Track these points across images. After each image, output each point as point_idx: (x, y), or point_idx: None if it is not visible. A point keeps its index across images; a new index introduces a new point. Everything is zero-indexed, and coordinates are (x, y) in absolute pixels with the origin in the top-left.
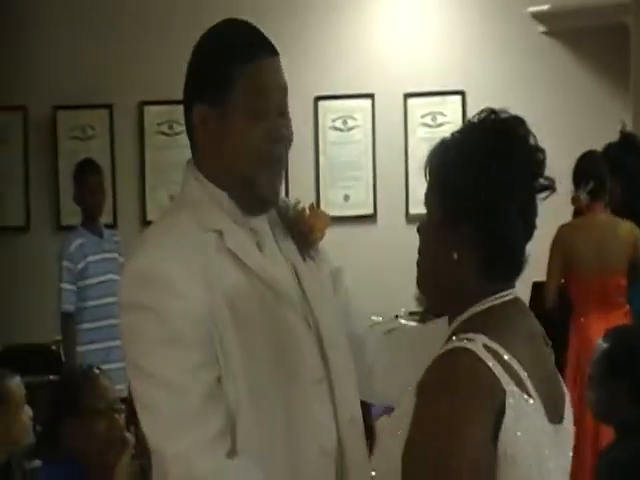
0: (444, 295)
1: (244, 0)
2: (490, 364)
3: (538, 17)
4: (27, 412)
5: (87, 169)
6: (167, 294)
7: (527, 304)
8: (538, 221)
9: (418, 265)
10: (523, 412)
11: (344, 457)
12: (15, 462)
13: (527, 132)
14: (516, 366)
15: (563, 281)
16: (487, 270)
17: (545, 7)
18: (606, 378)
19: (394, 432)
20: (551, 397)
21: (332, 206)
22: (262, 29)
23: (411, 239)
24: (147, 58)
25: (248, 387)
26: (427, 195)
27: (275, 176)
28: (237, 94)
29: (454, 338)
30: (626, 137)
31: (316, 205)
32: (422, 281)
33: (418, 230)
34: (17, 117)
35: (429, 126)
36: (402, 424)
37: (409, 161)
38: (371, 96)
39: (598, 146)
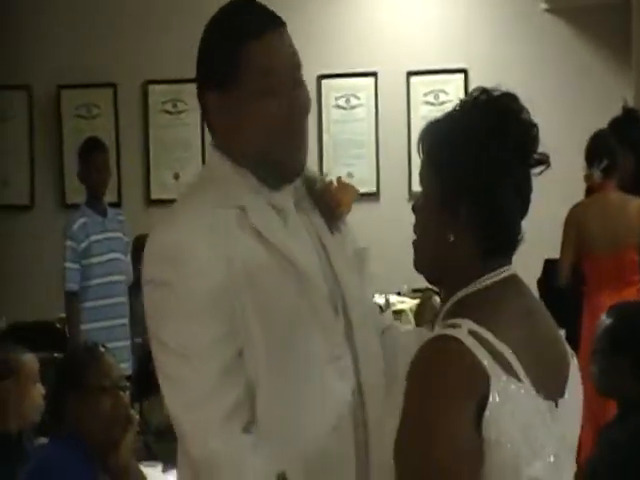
0: (441, 274)
1: None
2: (474, 351)
3: None
4: (39, 389)
5: (93, 147)
6: (188, 271)
7: (538, 280)
8: (551, 199)
9: (414, 244)
10: (509, 396)
11: (368, 436)
12: (26, 437)
13: (521, 108)
14: (504, 349)
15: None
16: (484, 248)
17: None
18: (609, 353)
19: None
20: (548, 373)
21: (333, 177)
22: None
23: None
24: (151, 37)
25: (267, 361)
26: (422, 174)
27: (296, 147)
28: (246, 76)
29: (441, 324)
30: (629, 112)
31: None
32: (419, 260)
33: (413, 209)
34: (21, 96)
35: (432, 104)
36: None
37: (412, 139)
38: (374, 74)
39: (600, 122)
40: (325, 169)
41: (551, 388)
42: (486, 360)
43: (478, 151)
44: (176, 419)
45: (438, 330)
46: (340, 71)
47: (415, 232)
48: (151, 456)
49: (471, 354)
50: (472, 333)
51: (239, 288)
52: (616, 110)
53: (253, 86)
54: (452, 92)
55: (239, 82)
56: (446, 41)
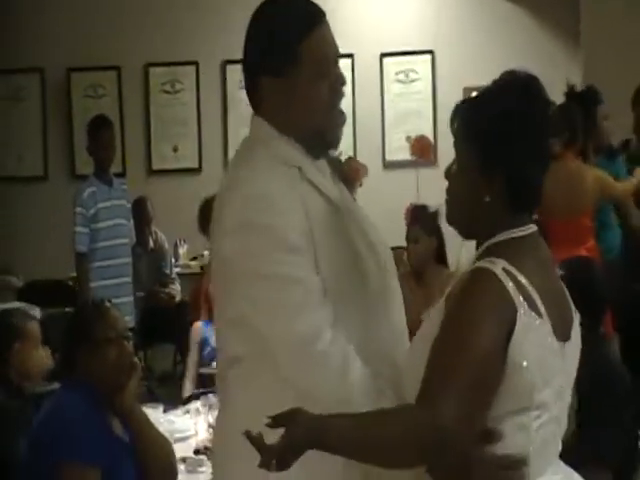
0: (475, 227)
1: None
2: (506, 284)
3: None
4: (42, 352)
5: (100, 124)
6: (278, 212)
7: None
8: None
9: (448, 204)
10: (531, 328)
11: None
12: (30, 397)
13: (542, 88)
14: (530, 288)
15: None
16: (514, 207)
17: None
18: None
19: (424, 336)
20: (560, 317)
21: None
22: None
23: (388, 183)
24: (152, 24)
25: (331, 294)
26: (459, 145)
27: (339, 122)
28: (302, 63)
29: (480, 260)
30: (589, 88)
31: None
32: (455, 216)
33: (447, 175)
34: (35, 78)
35: (403, 82)
36: (431, 330)
37: (385, 114)
38: (351, 56)
39: (551, 96)
40: None
41: (562, 330)
42: (515, 294)
43: (514, 130)
44: (285, 333)
45: (478, 264)
46: None
47: (448, 194)
48: (153, 399)
49: (503, 286)
50: (505, 270)
51: (310, 230)
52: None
53: (310, 72)
54: (421, 71)
55: (297, 68)
56: (415, 26)
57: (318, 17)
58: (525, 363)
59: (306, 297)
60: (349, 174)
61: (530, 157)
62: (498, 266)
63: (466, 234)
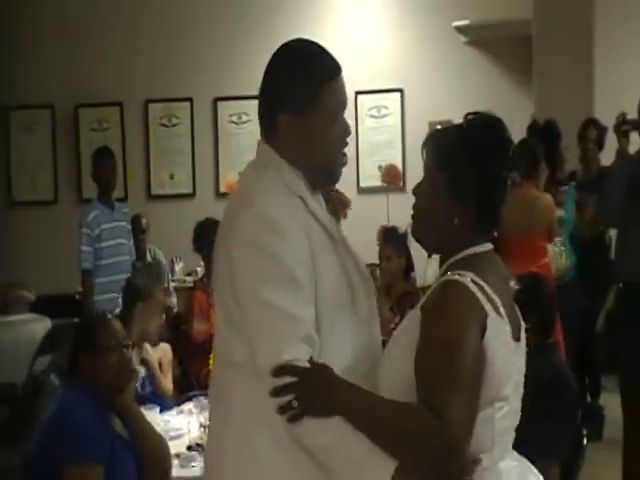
0: (442, 244)
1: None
2: (476, 293)
3: (461, 30)
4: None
5: (104, 154)
6: (287, 241)
7: None
8: None
9: (416, 218)
10: (498, 330)
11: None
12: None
13: (507, 129)
14: (494, 296)
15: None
16: (480, 228)
17: (466, 22)
18: None
19: (398, 342)
20: (514, 321)
21: None
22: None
23: (362, 206)
24: (151, 65)
25: (325, 321)
26: (430, 169)
27: (342, 161)
28: (321, 106)
29: (449, 273)
30: (548, 123)
31: None
32: (420, 232)
33: (415, 193)
34: (46, 113)
35: (375, 117)
36: (406, 336)
37: (359, 145)
38: None
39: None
40: None
41: (516, 333)
42: (484, 301)
43: (485, 161)
44: (271, 359)
45: (448, 276)
46: None
47: (415, 210)
48: (151, 401)
49: (474, 295)
50: (473, 281)
51: (312, 260)
52: (519, 120)
53: (326, 114)
54: (391, 107)
55: (316, 109)
56: (386, 67)
57: (338, 69)
58: (494, 361)
59: (295, 332)
60: (336, 205)
61: (496, 186)
62: (467, 278)
63: (432, 249)
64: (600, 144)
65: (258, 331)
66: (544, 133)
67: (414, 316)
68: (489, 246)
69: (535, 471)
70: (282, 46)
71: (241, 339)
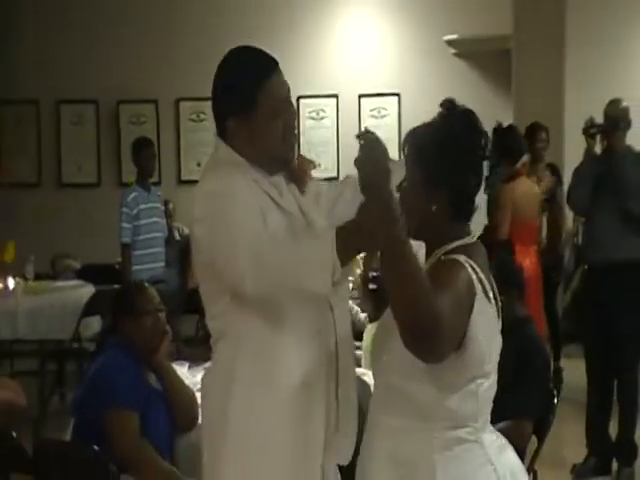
0: (424, 233)
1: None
2: (471, 274)
3: (450, 43)
4: None
5: (144, 144)
6: (236, 204)
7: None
8: None
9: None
10: (484, 310)
11: (339, 364)
12: None
13: (479, 120)
14: (483, 278)
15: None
16: (456, 214)
17: (455, 36)
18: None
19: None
20: (497, 304)
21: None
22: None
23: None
24: (182, 68)
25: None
26: (409, 164)
27: (291, 147)
28: (260, 107)
29: (442, 257)
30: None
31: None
32: (408, 224)
33: (397, 189)
34: (91, 108)
35: (375, 117)
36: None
37: None
38: (336, 96)
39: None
40: None
41: (498, 314)
42: (476, 282)
43: (457, 153)
44: (234, 260)
45: (447, 257)
46: (312, 93)
47: (402, 207)
48: (181, 358)
49: (469, 275)
50: (468, 262)
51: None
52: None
53: (265, 113)
54: (390, 109)
55: (254, 111)
56: (386, 74)
57: (270, 67)
58: (478, 338)
59: (259, 238)
60: (296, 172)
61: (467, 175)
62: (462, 259)
63: (414, 236)
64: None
65: (230, 255)
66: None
67: None
68: (475, 237)
69: (511, 447)
70: (223, 57)
71: (207, 300)
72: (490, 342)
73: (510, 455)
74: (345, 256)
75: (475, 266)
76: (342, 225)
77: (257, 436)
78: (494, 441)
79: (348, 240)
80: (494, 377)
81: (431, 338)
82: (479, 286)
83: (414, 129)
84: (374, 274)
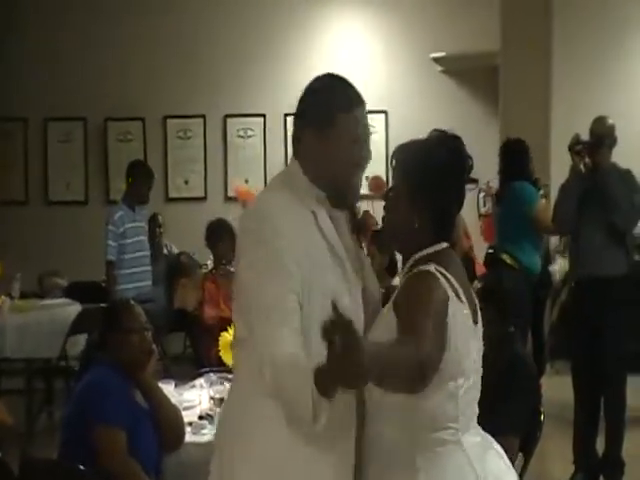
0: (405, 244)
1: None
2: (441, 280)
3: (437, 60)
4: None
5: (149, 174)
6: (282, 235)
7: None
8: None
9: (386, 224)
10: (458, 313)
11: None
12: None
13: (464, 147)
14: (455, 283)
15: None
16: (436, 233)
17: (442, 54)
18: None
19: (378, 328)
20: (472, 306)
21: None
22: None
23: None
24: (169, 86)
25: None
26: (397, 180)
27: (359, 184)
28: (333, 132)
29: (414, 270)
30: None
31: None
32: (390, 234)
33: (384, 198)
34: (79, 125)
35: None
36: (384, 325)
37: None
38: None
39: (476, 150)
40: None
41: (474, 316)
42: (446, 287)
43: (441, 176)
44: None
45: (414, 270)
46: None
47: (386, 212)
48: (167, 376)
49: (439, 281)
50: (437, 269)
51: (306, 265)
52: (488, 141)
53: (338, 140)
54: (377, 126)
55: (335, 132)
56: (373, 92)
57: (355, 104)
58: (452, 338)
59: (283, 321)
60: (362, 225)
61: (449, 197)
62: (431, 266)
63: (397, 249)
64: None
65: (253, 313)
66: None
67: (387, 311)
68: (445, 245)
69: (497, 447)
70: (314, 79)
71: (242, 317)
72: (465, 341)
73: (493, 458)
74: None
75: (444, 272)
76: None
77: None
78: (476, 443)
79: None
80: (475, 378)
81: (426, 378)
82: (450, 290)
83: (403, 146)
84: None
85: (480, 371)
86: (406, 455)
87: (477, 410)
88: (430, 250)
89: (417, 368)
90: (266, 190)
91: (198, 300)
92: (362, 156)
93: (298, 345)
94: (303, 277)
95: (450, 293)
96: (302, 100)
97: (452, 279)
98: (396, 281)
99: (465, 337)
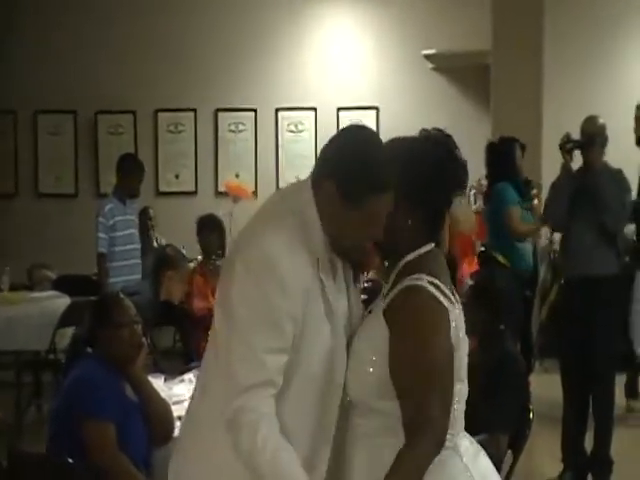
0: (396, 243)
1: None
2: (435, 294)
3: (428, 58)
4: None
5: (137, 167)
6: (283, 290)
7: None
8: None
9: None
10: (458, 319)
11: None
12: None
13: (458, 149)
14: (446, 289)
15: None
16: (429, 232)
17: (433, 51)
18: (472, 302)
19: (367, 358)
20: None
21: (285, 183)
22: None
23: None
24: (161, 79)
25: (299, 377)
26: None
27: (362, 251)
28: (364, 208)
29: (407, 278)
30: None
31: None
32: (386, 236)
33: None
34: (69, 118)
35: None
36: (373, 351)
37: None
38: (314, 109)
39: (467, 148)
40: (280, 173)
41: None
42: (442, 298)
43: (427, 174)
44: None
45: (406, 282)
46: (291, 105)
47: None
48: (157, 370)
49: (435, 297)
50: (430, 282)
51: (302, 318)
52: (478, 139)
53: (363, 213)
54: (368, 122)
55: (356, 209)
56: (364, 88)
57: (387, 187)
58: (458, 347)
59: (258, 377)
60: (362, 259)
61: (442, 197)
62: (424, 280)
63: (391, 250)
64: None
65: (228, 357)
66: (509, 144)
67: (375, 318)
68: (432, 245)
69: (484, 452)
70: (354, 129)
71: (216, 344)
72: (464, 347)
73: (484, 461)
74: None
75: (435, 280)
76: None
77: None
78: (469, 447)
79: None
80: (466, 381)
81: (440, 438)
82: (446, 300)
83: (395, 142)
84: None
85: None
86: None
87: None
88: (421, 251)
89: (432, 443)
90: (275, 222)
91: (184, 292)
92: (377, 234)
93: (273, 407)
94: (295, 334)
95: (447, 304)
96: (334, 151)
97: (444, 287)
98: None
99: (464, 343)
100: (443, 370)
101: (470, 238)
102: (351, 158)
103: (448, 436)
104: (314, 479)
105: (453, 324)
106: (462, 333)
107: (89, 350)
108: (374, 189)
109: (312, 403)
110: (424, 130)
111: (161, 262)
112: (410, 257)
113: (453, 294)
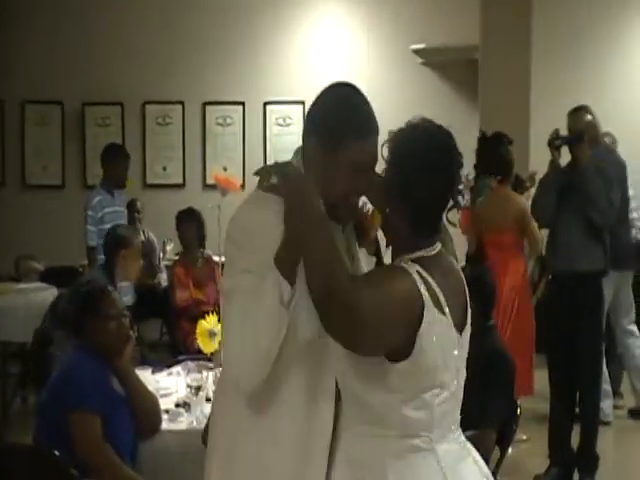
0: (394, 242)
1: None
2: (419, 284)
3: (417, 52)
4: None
5: (122, 155)
6: (256, 249)
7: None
8: None
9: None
10: (435, 321)
11: None
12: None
13: (456, 146)
14: (437, 290)
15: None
16: (416, 229)
17: (422, 46)
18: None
19: None
20: (459, 313)
21: None
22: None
23: None
24: (149, 71)
25: (294, 342)
26: (389, 176)
27: (353, 212)
28: (346, 154)
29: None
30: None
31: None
32: (384, 222)
33: (370, 184)
34: (56, 109)
35: None
36: None
37: None
38: (302, 103)
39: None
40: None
41: (459, 323)
42: (425, 294)
43: (415, 167)
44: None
45: (395, 262)
46: (279, 99)
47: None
48: (144, 363)
49: (414, 282)
50: (418, 272)
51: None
52: (467, 134)
53: (347, 161)
54: None
55: (340, 153)
56: (354, 81)
57: (368, 132)
58: (427, 349)
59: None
60: (363, 223)
61: (431, 194)
62: (413, 269)
63: (389, 241)
64: None
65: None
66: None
67: None
68: (437, 247)
69: (475, 455)
70: (336, 85)
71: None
72: (444, 352)
73: (469, 467)
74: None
75: (428, 277)
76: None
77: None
78: (452, 452)
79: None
80: (454, 388)
81: (347, 321)
82: (428, 298)
83: (399, 135)
84: None
85: (463, 377)
86: (377, 457)
87: (458, 417)
88: (419, 254)
89: (344, 304)
90: (257, 194)
91: (140, 271)
92: (362, 185)
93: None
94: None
95: (426, 299)
96: (317, 107)
97: (434, 285)
98: None
99: (442, 348)
100: (374, 309)
101: (498, 235)
102: (330, 107)
103: (425, 439)
104: (316, 440)
105: (425, 321)
106: (444, 338)
107: (76, 342)
108: (354, 134)
109: (308, 366)
110: (423, 119)
111: (114, 242)
112: (412, 256)
113: (456, 304)
